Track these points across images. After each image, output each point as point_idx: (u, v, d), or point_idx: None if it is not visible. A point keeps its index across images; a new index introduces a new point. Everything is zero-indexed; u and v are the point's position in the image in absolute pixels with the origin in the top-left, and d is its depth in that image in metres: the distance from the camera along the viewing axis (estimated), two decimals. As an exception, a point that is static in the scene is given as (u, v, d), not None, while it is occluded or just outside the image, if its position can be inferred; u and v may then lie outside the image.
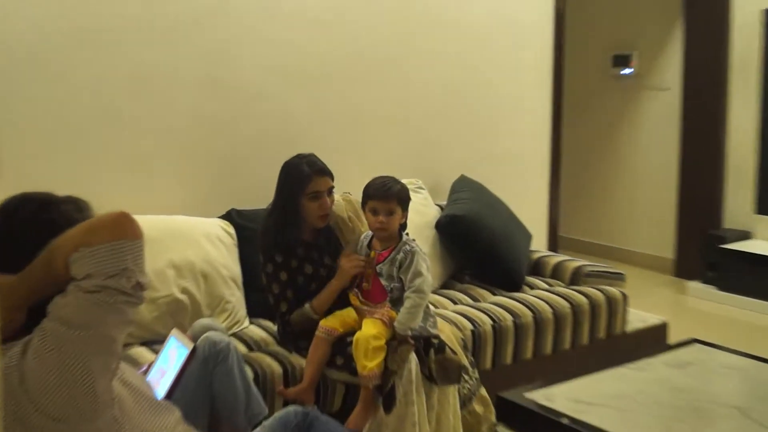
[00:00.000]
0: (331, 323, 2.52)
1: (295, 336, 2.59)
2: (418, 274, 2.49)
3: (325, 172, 2.54)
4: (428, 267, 2.54)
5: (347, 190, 2.83)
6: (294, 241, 2.54)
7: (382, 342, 2.42)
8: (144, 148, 3.00)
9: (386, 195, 2.50)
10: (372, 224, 2.54)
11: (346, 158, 3.46)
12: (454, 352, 2.51)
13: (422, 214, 3.40)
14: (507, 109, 4.10)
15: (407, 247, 2.54)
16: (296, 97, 3.35)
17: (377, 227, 2.52)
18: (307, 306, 2.53)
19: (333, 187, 2.58)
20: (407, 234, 2.60)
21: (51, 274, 1.42)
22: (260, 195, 2.88)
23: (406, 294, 2.49)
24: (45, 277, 1.43)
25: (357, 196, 2.77)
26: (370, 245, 2.60)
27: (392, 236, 2.56)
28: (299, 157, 2.57)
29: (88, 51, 2.83)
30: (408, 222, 2.63)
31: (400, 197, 2.53)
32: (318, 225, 2.58)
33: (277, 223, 2.51)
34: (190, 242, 2.81)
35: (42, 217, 1.50)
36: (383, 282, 2.53)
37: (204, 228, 2.89)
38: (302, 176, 2.50)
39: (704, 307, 4.69)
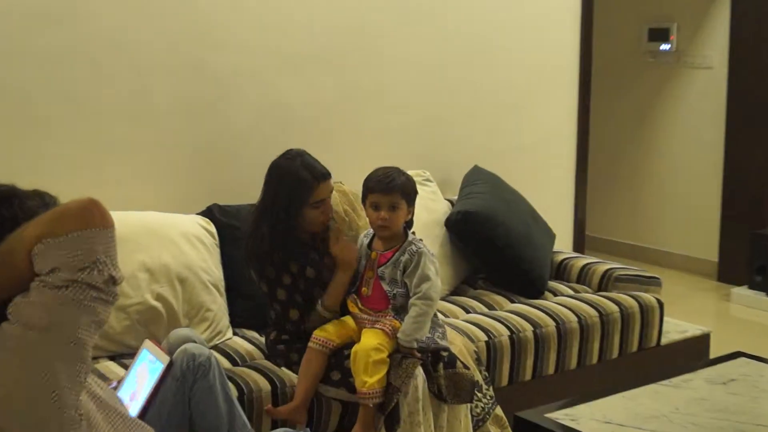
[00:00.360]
0: (327, 333, 2.52)
1: (286, 348, 2.60)
2: (426, 278, 2.49)
3: (327, 176, 2.54)
4: (437, 270, 2.55)
5: (344, 181, 2.85)
6: (292, 250, 2.55)
7: (385, 355, 2.42)
8: (114, 136, 3.00)
9: (389, 187, 2.50)
10: (373, 221, 2.55)
11: (344, 147, 3.47)
12: (466, 367, 2.52)
13: (430, 210, 3.39)
14: (528, 91, 4.09)
15: (413, 247, 2.54)
16: (287, 78, 3.36)
17: (379, 224, 2.53)
18: (319, 307, 2.55)
19: (333, 188, 2.61)
20: (413, 233, 2.61)
21: (11, 272, 1.42)
22: (246, 189, 2.88)
23: (412, 301, 2.50)
24: (4, 275, 1.42)
25: (356, 189, 2.79)
26: (370, 245, 2.61)
27: (396, 235, 2.57)
28: (292, 159, 2.54)
29: (48, 24, 2.82)
30: (414, 219, 2.63)
31: (405, 190, 2.53)
32: (317, 230, 2.59)
33: (274, 234, 2.51)
34: (165, 242, 2.80)
35: (1, 214, 1.50)
36: (385, 287, 2.55)
37: (181, 226, 2.89)
38: (305, 186, 2.49)
39: (751, 315, 4.69)
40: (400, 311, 2.54)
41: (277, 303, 2.56)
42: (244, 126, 3.26)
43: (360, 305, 2.57)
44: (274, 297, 2.56)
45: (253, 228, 2.56)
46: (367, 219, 2.65)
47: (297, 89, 3.38)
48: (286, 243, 2.52)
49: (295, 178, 2.49)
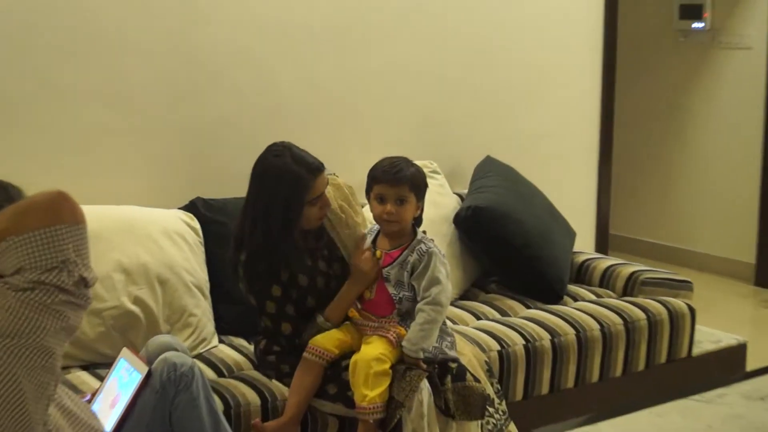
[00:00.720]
0: (324, 342, 2.52)
1: (277, 359, 2.61)
2: (436, 281, 2.49)
3: (321, 168, 2.54)
4: (448, 273, 2.55)
5: (340, 173, 2.84)
6: (293, 255, 2.54)
7: (387, 366, 2.42)
8: (86, 122, 3.00)
9: (396, 178, 2.51)
10: (378, 215, 2.56)
11: (341, 136, 3.48)
12: (477, 380, 2.51)
13: (437, 205, 3.39)
14: (546, 73, 4.09)
15: (423, 246, 2.54)
16: (279, 60, 3.36)
17: (385, 219, 2.54)
18: (320, 318, 2.56)
19: (328, 180, 2.61)
20: (424, 232, 2.63)
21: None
22: (233, 180, 2.89)
23: (419, 306, 2.49)
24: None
25: (354, 182, 2.80)
26: (374, 243, 2.61)
27: (404, 232, 2.57)
28: (281, 155, 2.51)
29: (14, 1, 2.82)
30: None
31: (415, 182, 2.54)
32: (314, 226, 2.60)
33: (269, 241, 2.49)
34: (143, 239, 2.80)
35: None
36: (390, 290, 2.55)
37: (162, 222, 2.89)
38: (301, 183, 2.48)
39: (793, 324, 4.72)
40: (406, 317, 2.54)
41: (267, 317, 2.57)
42: (231, 111, 3.26)
43: (361, 310, 2.58)
44: (263, 310, 2.57)
45: (241, 238, 2.54)
46: (364, 214, 2.66)
47: (290, 71, 3.39)
48: (280, 249, 2.52)
49: (291, 176, 2.48)
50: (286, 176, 2.49)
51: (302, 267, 2.56)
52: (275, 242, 2.49)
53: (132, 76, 3.07)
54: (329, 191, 2.64)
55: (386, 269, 2.55)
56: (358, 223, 2.68)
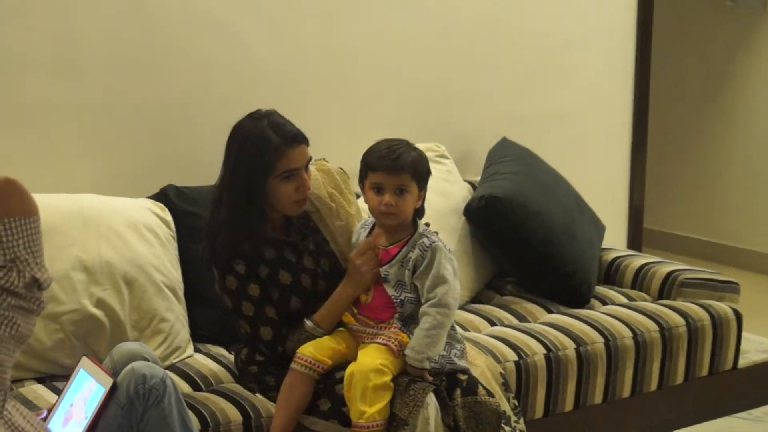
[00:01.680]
0: (315, 351, 2.51)
1: (261, 370, 2.61)
2: (441, 280, 2.49)
3: (300, 139, 2.54)
4: (455, 271, 2.55)
5: (330, 158, 2.82)
6: (261, 240, 2.56)
7: (388, 378, 2.41)
8: (34, 97, 2.97)
9: (395, 165, 2.50)
10: (374, 207, 2.54)
11: (329, 116, 3.44)
12: (491, 394, 2.50)
13: (445, 195, 3.38)
14: (571, 43, 4.07)
15: (425, 241, 2.53)
16: (257, 26, 3.33)
17: (382, 211, 2.52)
18: (309, 324, 2.56)
19: (311, 157, 2.60)
20: (427, 225, 2.61)
21: None
22: (210, 165, 2.79)
23: (424, 309, 2.49)
24: None
25: (347, 168, 2.78)
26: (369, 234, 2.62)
27: (403, 225, 2.57)
28: (257, 118, 2.55)
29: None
30: (426, 206, 2.62)
31: (417, 169, 2.54)
32: (293, 212, 2.60)
33: (234, 217, 2.52)
34: (106, 233, 2.79)
35: None
36: (390, 291, 2.55)
37: (128, 213, 2.87)
38: (269, 149, 2.49)
39: None
40: (409, 322, 2.53)
41: (244, 320, 2.57)
42: (200, 85, 3.23)
43: (357, 314, 2.57)
44: (240, 313, 2.57)
45: (210, 216, 2.57)
46: (358, 205, 2.64)
47: (268, 39, 3.35)
48: (255, 235, 2.52)
49: (259, 141, 2.49)
50: (254, 140, 2.50)
51: (282, 261, 2.56)
52: (244, 222, 2.50)
53: (87, 44, 3.04)
54: (317, 177, 2.63)
55: (384, 268, 2.54)
56: (351, 214, 2.68)
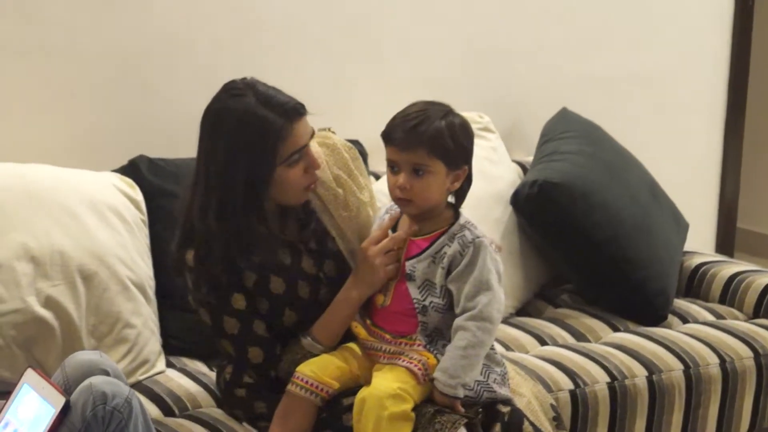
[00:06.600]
0: (317, 371, 2.43)
1: (249, 395, 2.53)
2: (485, 286, 2.41)
3: (301, 109, 2.45)
4: (500, 276, 2.46)
5: (345, 130, 2.76)
6: (275, 247, 2.50)
7: (408, 407, 2.34)
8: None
9: (407, 139, 2.38)
10: (390, 190, 2.46)
11: (344, 73, 3.42)
12: (539, 430, 2.45)
13: (487, 178, 3.32)
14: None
15: (467, 234, 2.44)
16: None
17: (397, 195, 2.44)
18: (306, 340, 2.51)
19: (314, 130, 2.51)
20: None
21: None
22: (193, 132, 2.70)
23: (460, 322, 2.40)
24: None
25: (368, 143, 2.91)
26: (395, 227, 2.55)
27: (433, 213, 2.47)
28: (239, 95, 2.44)
29: None
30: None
31: (439, 143, 2.40)
32: (300, 200, 2.53)
33: (233, 228, 2.42)
34: (59, 215, 2.76)
35: None
36: (414, 295, 2.45)
37: (88, 189, 2.85)
38: (272, 132, 2.40)
39: None
40: (435, 338, 2.43)
41: (227, 340, 2.49)
42: (181, 28, 3.19)
43: (371, 325, 2.48)
44: (222, 331, 2.49)
45: (190, 225, 2.47)
46: (372, 190, 2.62)
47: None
48: (241, 236, 2.44)
49: (256, 123, 2.40)
50: (250, 124, 2.40)
51: (274, 266, 2.49)
52: (235, 227, 2.41)
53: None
54: (320, 154, 2.54)
55: (411, 262, 2.44)
56: (363, 202, 2.60)
